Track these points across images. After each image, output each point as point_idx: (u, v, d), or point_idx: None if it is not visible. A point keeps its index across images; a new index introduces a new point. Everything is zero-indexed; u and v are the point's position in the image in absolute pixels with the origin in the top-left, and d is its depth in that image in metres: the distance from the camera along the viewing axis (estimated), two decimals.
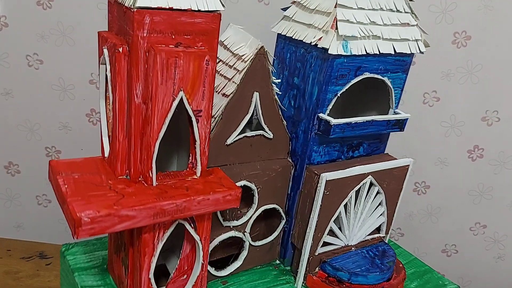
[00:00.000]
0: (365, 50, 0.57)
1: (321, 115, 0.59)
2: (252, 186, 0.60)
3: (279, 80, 0.63)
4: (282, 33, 0.62)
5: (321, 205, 0.59)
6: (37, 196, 1.16)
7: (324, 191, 0.59)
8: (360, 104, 0.69)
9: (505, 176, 1.06)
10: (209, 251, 0.58)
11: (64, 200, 0.45)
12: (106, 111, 0.52)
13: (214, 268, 0.63)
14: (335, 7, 0.55)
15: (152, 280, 0.53)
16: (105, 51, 0.47)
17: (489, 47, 0.95)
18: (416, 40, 0.63)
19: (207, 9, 0.45)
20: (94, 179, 0.49)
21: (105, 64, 0.48)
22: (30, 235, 1.18)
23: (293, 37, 0.60)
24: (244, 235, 0.63)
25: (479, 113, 1.02)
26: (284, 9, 0.63)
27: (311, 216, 0.60)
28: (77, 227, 0.42)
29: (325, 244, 0.64)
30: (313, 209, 0.60)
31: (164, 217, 0.47)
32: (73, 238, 0.43)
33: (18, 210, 1.17)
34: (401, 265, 0.68)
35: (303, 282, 0.64)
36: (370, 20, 0.58)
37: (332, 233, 0.64)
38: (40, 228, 1.17)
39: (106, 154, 0.52)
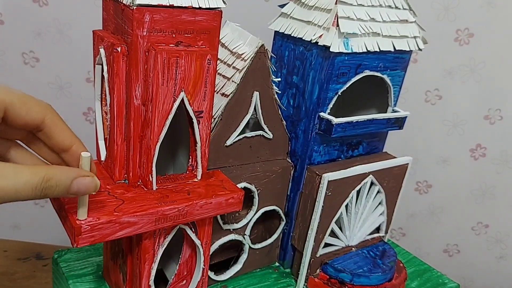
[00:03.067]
0: (366, 48, 0.56)
1: (322, 114, 0.57)
2: (252, 188, 0.59)
3: (279, 79, 0.61)
4: (279, 31, 0.61)
5: (323, 206, 0.58)
6: None
7: (326, 192, 0.58)
8: (356, 102, 0.68)
9: (508, 175, 1.06)
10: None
11: (62, 206, 0.43)
12: (102, 113, 0.50)
13: (213, 273, 0.61)
14: (336, 3, 0.54)
15: (153, 287, 0.51)
16: (102, 51, 0.45)
17: (492, 44, 0.95)
18: (415, 37, 0.62)
19: (208, 7, 0.43)
20: None
21: (101, 65, 0.46)
22: (27, 235, 1.16)
23: (292, 35, 0.58)
24: (244, 238, 0.62)
25: (482, 111, 1.01)
26: (282, 6, 0.61)
27: (312, 217, 0.59)
28: (77, 236, 0.40)
29: (326, 245, 0.63)
30: (314, 210, 0.59)
31: (166, 222, 0.46)
32: (73, 246, 0.41)
33: (14, 209, 1.14)
34: (401, 265, 0.68)
35: (304, 284, 0.63)
36: (369, 16, 0.57)
37: (333, 234, 0.64)
38: (37, 229, 1.15)
39: (103, 158, 0.51)
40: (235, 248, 0.64)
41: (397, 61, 0.61)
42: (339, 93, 0.58)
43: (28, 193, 0.35)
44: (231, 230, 0.60)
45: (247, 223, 0.61)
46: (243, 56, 0.53)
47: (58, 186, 0.36)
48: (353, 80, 0.58)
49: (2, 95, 0.36)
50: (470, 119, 1.02)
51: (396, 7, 0.60)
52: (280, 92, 0.61)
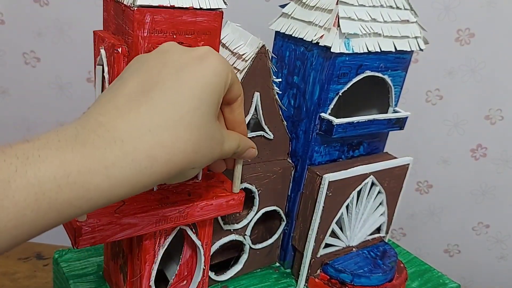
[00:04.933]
0: (367, 48, 0.56)
1: (322, 114, 0.57)
2: (253, 188, 0.59)
3: (280, 80, 0.61)
4: (280, 31, 0.61)
5: (323, 207, 0.58)
6: None
7: (326, 192, 0.57)
8: (356, 102, 0.68)
9: (508, 175, 1.06)
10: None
11: None
12: None
13: (214, 273, 0.61)
14: (337, 4, 0.54)
15: None
16: (102, 51, 0.45)
17: (492, 44, 0.95)
18: (416, 37, 0.62)
19: (209, 7, 0.43)
20: None
21: (102, 65, 0.46)
22: None
23: (293, 35, 0.58)
24: (245, 238, 0.62)
25: (482, 111, 1.01)
26: (282, 6, 0.61)
27: (313, 218, 0.59)
28: (78, 237, 0.40)
29: (327, 245, 0.63)
30: (315, 210, 0.59)
31: (166, 224, 0.46)
32: (73, 248, 0.41)
33: None
34: (402, 265, 0.68)
35: (305, 285, 0.63)
36: (371, 17, 0.57)
37: (333, 234, 0.63)
38: None
39: None
40: (235, 248, 0.64)
41: (398, 61, 0.61)
42: (340, 94, 0.58)
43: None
44: (232, 230, 0.60)
45: (248, 224, 0.61)
46: (244, 56, 0.53)
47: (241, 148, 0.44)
48: (354, 80, 0.58)
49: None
50: (471, 119, 1.02)
51: (397, 7, 0.60)
52: (280, 92, 0.61)
